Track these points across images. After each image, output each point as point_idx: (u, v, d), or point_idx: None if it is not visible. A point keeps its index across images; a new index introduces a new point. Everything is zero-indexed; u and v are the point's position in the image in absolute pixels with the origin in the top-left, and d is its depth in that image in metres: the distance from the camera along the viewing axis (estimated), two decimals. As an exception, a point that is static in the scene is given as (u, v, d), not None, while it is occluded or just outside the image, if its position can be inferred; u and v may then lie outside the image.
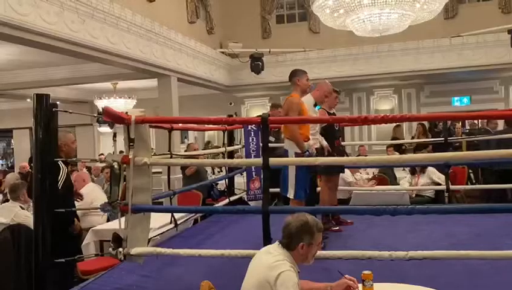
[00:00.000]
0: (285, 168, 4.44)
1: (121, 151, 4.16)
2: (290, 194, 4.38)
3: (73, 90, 12.82)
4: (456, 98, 12.67)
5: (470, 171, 8.38)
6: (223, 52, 11.78)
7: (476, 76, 11.68)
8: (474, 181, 8.48)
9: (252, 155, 6.26)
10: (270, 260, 2.40)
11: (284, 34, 12.56)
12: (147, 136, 3.63)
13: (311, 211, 3.67)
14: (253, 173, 6.39)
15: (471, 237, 4.54)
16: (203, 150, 10.80)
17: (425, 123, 10.20)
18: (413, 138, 10.50)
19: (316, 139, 4.85)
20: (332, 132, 5.17)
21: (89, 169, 10.12)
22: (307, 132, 4.55)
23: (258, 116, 4.01)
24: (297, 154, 4.37)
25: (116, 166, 3.52)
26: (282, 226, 2.53)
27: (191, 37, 9.92)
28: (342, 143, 6.12)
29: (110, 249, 3.63)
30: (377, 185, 7.42)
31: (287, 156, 4.43)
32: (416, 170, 7.39)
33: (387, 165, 7.58)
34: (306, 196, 4.45)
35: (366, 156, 9.86)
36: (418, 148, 9.06)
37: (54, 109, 3.59)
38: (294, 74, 4.68)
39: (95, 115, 4.04)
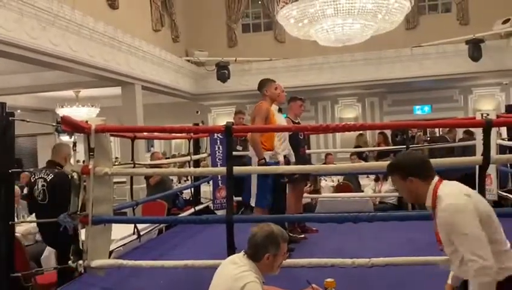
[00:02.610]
0: (248, 176, 4.44)
1: (82, 161, 4.07)
2: (252, 202, 4.39)
3: (34, 99, 12.47)
4: (417, 107, 13.02)
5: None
6: (188, 61, 11.72)
7: (437, 85, 12.03)
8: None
9: (218, 164, 6.22)
10: (235, 271, 2.38)
11: (249, 43, 12.62)
12: (108, 146, 3.56)
13: (276, 219, 3.68)
14: (220, 181, 6.36)
15: (433, 243, 4.61)
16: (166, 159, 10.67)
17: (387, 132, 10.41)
18: (374, 146, 10.68)
19: (285, 146, 4.88)
20: (296, 140, 5.20)
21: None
22: (271, 142, 4.55)
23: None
24: (259, 163, 4.38)
25: (75, 176, 3.44)
26: (248, 236, 2.50)
27: (155, 45, 9.82)
28: (307, 151, 6.16)
29: (70, 261, 3.53)
30: (341, 192, 7.52)
31: (251, 164, 4.43)
32: (380, 177, 7.52)
33: (349, 172, 7.69)
34: (268, 204, 4.45)
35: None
36: (380, 156, 9.22)
37: (10, 118, 3.49)
38: (263, 85, 4.72)
39: (54, 124, 3.94)
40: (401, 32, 10.60)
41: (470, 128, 7.82)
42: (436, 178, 2.19)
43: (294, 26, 7.93)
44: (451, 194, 2.08)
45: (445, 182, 2.18)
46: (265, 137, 4.47)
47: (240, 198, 6.41)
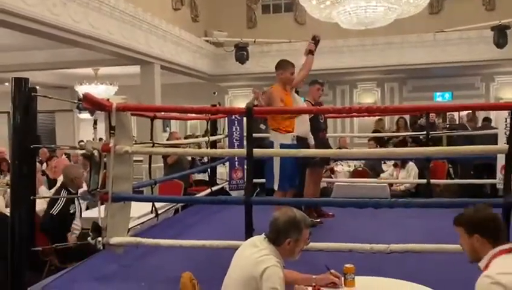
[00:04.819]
0: (270, 160, 4.41)
1: (101, 139, 4.09)
2: (275, 186, 4.36)
3: (53, 75, 12.57)
4: (438, 93, 12.82)
5: (450, 166, 8.46)
6: (207, 41, 11.65)
7: (458, 72, 11.81)
8: (453, 176, 8.57)
9: (235, 145, 6.21)
10: (255, 255, 2.35)
11: (269, 24, 12.49)
12: (129, 124, 3.56)
13: (294, 203, 3.67)
14: (236, 162, 6.35)
15: (452, 231, 4.56)
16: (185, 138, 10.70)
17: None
18: (394, 132, 10.53)
19: (305, 129, 4.84)
20: (317, 123, 5.15)
21: (68, 156, 9.94)
22: (290, 124, 4.51)
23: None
24: (282, 146, 4.35)
25: (96, 154, 3.45)
26: (263, 217, 2.48)
27: (175, 24, 9.78)
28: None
29: (89, 238, 3.57)
30: (358, 177, 7.47)
31: (273, 148, 4.40)
32: (398, 163, 7.45)
33: (369, 157, 7.61)
34: (293, 186, 4.43)
35: (346, 148, 9.89)
36: (400, 142, 9.08)
37: (32, 94, 3.50)
38: (279, 67, 4.62)
39: (75, 101, 3.95)
40: (424, 16, 10.36)
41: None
42: (506, 246, 2.08)
43: (316, 8, 7.79)
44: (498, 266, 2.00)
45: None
46: (284, 123, 4.43)
47: (255, 179, 6.43)
